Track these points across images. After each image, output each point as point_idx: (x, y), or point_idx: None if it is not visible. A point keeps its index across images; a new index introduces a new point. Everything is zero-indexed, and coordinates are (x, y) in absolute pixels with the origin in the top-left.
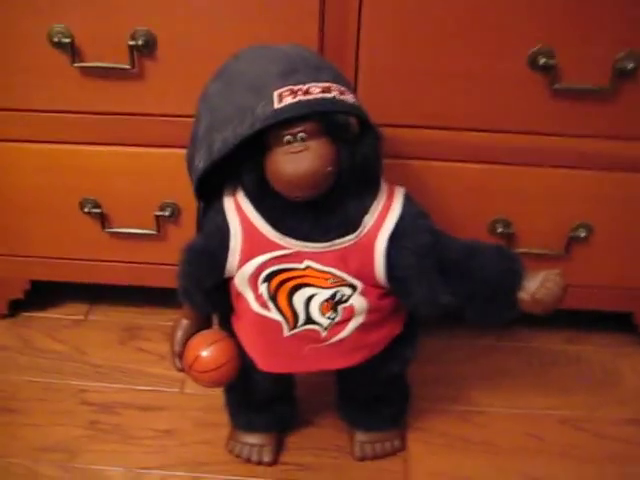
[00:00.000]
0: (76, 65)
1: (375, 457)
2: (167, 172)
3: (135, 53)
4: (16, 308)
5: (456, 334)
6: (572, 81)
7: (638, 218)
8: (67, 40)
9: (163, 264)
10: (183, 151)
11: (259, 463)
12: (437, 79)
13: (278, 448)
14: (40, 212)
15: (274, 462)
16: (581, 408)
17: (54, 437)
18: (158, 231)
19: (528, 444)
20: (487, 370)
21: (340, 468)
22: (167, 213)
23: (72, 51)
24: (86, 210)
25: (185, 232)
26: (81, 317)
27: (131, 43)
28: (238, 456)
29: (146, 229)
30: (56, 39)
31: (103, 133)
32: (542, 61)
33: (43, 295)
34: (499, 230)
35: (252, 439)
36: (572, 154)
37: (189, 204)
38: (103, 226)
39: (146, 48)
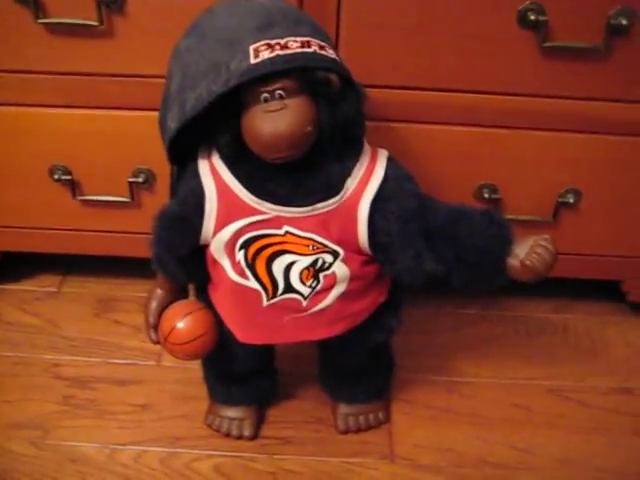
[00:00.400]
0: (40, 21)
1: (359, 430)
2: (140, 136)
3: (103, 8)
4: None
5: (441, 303)
6: (563, 39)
7: (628, 183)
8: None
9: (138, 233)
10: (156, 114)
11: (239, 437)
12: (422, 37)
13: (259, 422)
14: (7, 180)
15: (255, 436)
16: (568, 377)
17: (26, 413)
18: (132, 198)
19: (514, 415)
20: (473, 340)
21: (323, 441)
22: (141, 179)
23: (35, 5)
24: (56, 177)
25: (160, 199)
26: (54, 289)
27: None
28: (217, 430)
29: (119, 196)
30: None
31: (71, 95)
32: (532, 18)
33: (14, 267)
34: (485, 195)
35: (232, 413)
36: (562, 116)
37: (164, 170)
38: (74, 194)
39: (115, 3)
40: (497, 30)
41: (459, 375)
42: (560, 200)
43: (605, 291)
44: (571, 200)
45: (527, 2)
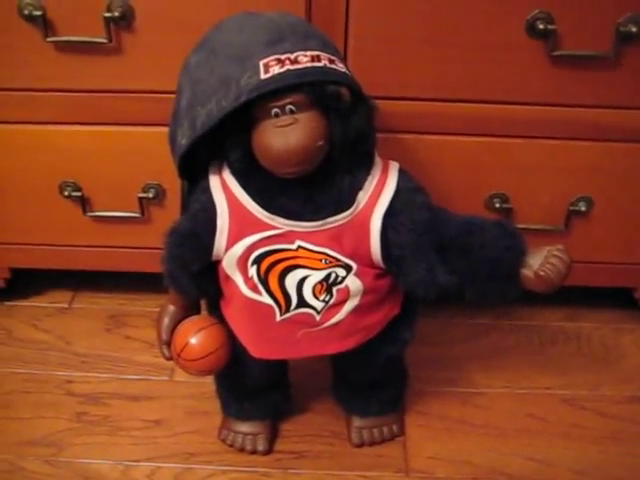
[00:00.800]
0: (50, 40)
1: (373, 443)
2: (150, 152)
3: (112, 26)
4: None
5: (453, 313)
6: (572, 47)
7: None
8: (38, 13)
9: (148, 248)
10: (166, 129)
11: (253, 452)
12: (431, 47)
13: (272, 436)
14: (18, 197)
15: (269, 451)
16: (583, 387)
17: (39, 430)
18: (142, 214)
19: (529, 425)
20: (486, 350)
21: (337, 455)
22: (151, 195)
23: (44, 24)
24: (66, 194)
25: (170, 214)
26: (65, 305)
27: (107, 15)
28: (231, 445)
29: (129, 212)
30: (26, 12)
31: (81, 112)
32: (541, 27)
33: (25, 283)
34: (497, 205)
35: (245, 427)
36: (572, 125)
37: (174, 185)
38: (84, 210)
39: (123, 20)
40: (506, 39)
41: (473, 386)
42: (572, 208)
43: (618, 299)
44: (583, 208)
45: (535, 11)
